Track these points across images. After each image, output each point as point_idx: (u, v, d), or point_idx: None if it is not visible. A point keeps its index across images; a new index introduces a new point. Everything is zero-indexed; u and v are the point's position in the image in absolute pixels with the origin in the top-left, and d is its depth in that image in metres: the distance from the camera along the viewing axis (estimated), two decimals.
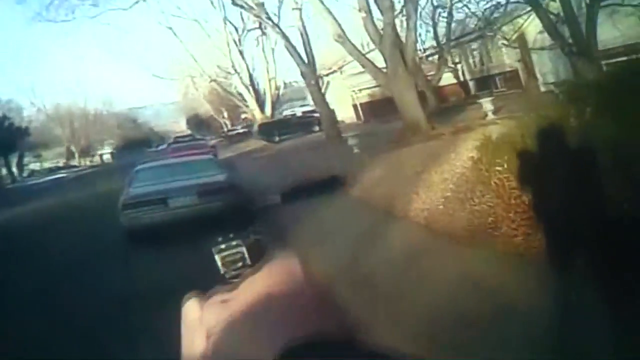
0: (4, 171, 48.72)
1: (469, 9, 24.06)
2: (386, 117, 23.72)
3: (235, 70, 35.19)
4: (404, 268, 4.69)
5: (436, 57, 27.95)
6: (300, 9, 23.68)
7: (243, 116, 50.17)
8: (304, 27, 23.56)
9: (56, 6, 22.27)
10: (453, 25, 25.95)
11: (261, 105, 35.90)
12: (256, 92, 36.44)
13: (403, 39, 15.43)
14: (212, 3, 33.53)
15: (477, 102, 17.87)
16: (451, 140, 11.47)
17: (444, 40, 26.17)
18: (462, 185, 6.75)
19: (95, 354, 3.99)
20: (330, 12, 15.55)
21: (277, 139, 30.59)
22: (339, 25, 15.40)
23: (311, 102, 30.09)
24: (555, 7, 13.31)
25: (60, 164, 60.85)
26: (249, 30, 34.50)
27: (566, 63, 15.67)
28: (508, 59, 26.41)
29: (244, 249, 0.48)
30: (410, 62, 14.82)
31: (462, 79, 32.05)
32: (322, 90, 24.86)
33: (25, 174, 52.99)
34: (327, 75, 33.29)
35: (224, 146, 37.49)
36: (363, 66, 15.39)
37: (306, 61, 22.10)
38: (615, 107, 4.06)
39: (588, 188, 3.81)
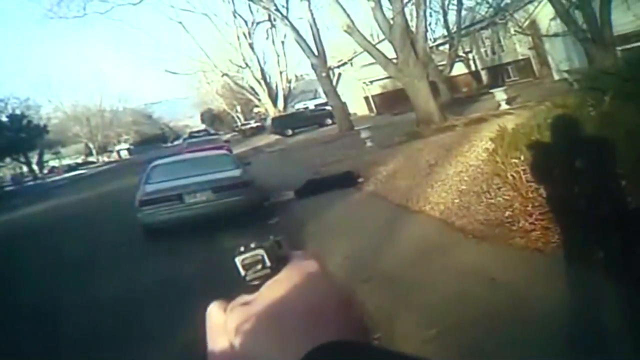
0: (25, 169, 49.55)
1: None
2: (398, 109, 23.60)
3: (247, 64, 35.25)
4: (420, 263, 4.68)
5: (447, 46, 27.64)
6: (308, 1, 23.60)
7: (256, 110, 50.30)
8: (313, 19, 23.49)
9: (67, 2, 22.51)
10: (463, 13, 25.58)
11: (273, 99, 35.95)
12: (268, 85, 36.48)
13: (413, 29, 15.31)
14: None
15: (489, 92, 17.68)
16: (464, 131, 11.40)
17: (455, 29, 25.85)
18: (478, 178, 6.72)
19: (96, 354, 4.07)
20: (339, 3, 15.45)
21: (290, 132, 30.63)
22: (348, 15, 15.31)
23: (323, 95, 30.01)
24: None
25: (80, 161, 61.70)
26: (258, 23, 34.55)
27: (580, 50, 15.40)
28: (520, 47, 26.02)
29: (262, 252, 0.49)
30: (421, 52, 14.70)
31: (473, 68, 31.69)
32: (333, 83, 24.79)
33: (45, 171, 53.80)
34: (337, 67, 33.17)
35: (237, 140, 37.66)
36: (373, 57, 15.30)
37: (316, 53, 22.03)
38: (636, 94, 3.98)
39: (608, 180, 3.76)
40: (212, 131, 37.39)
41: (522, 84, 22.98)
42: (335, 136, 21.09)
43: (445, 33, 27.75)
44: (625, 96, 4.41)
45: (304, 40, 21.74)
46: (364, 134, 15.08)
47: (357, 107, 34.22)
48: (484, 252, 4.62)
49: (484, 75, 30.86)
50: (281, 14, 22.68)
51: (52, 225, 12.50)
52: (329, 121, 29.31)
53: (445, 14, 27.00)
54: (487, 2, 22.42)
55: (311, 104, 39.79)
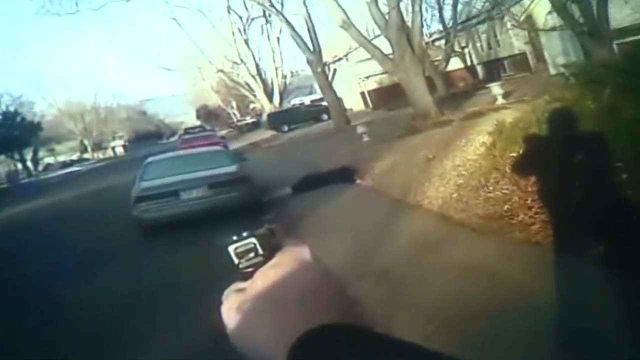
0: (20, 166, 49.28)
1: None
2: (394, 105, 23.55)
3: (242, 60, 35.09)
4: (419, 258, 4.65)
5: (442, 41, 27.61)
6: None
7: (251, 106, 50.16)
8: (309, 14, 23.37)
9: None
10: (459, 7, 25.55)
11: (269, 94, 35.82)
12: (263, 81, 36.35)
13: (408, 24, 15.25)
14: None
15: (486, 86, 17.66)
16: (461, 126, 11.37)
17: (451, 24, 25.80)
18: (476, 172, 6.69)
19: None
20: None
21: (286, 128, 30.55)
22: (343, 11, 15.22)
23: (319, 91, 29.93)
24: None
25: (74, 158, 61.41)
26: (253, 19, 34.39)
27: (576, 44, 15.34)
28: (516, 41, 26.00)
29: (255, 240, 0.50)
30: (417, 48, 14.65)
31: (469, 63, 31.67)
32: (329, 78, 24.72)
33: (40, 168, 53.53)
34: (333, 62, 33.07)
35: (233, 136, 37.54)
36: (369, 52, 15.23)
37: (312, 49, 21.94)
38: (636, 88, 3.95)
39: (608, 173, 3.73)
40: (208, 127, 37.21)
41: (518, 78, 22.97)
42: (331, 132, 21.03)
43: (441, 28, 27.73)
44: (625, 89, 4.38)
45: (300, 36, 21.64)
46: (360, 129, 15.03)
47: (353, 103, 34.16)
48: (484, 246, 4.59)
49: (479, 70, 30.85)
50: (276, 9, 22.56)
51: (47, 223, 12.43)
52: (325, 117, 29.23)
53: (440, 9, 26.98)
54: None
55: (307, 100, 39.71)
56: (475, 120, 11.40)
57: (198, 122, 52.05)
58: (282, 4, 25.23)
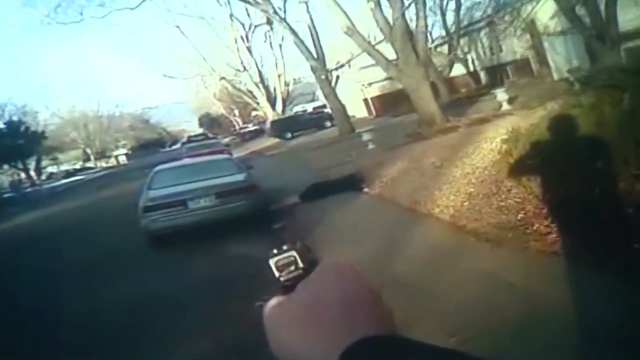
0: (23, 175, 49.33)
1: None
2: (397, 111, 23.53)
3: (244, 68, 35.16)
4: (435, 268, 4.59)
5: (445, 47, 27.60)
6: (306, 2, 23.52)
7: (254, 114, 50.18)
8: (312, 21, 23.40)
9: (64, 8, 22.37)
10: (461, 13, 25.57)
11: (272, 102, 35.85)
12: (266, 89, 36.39)
13: (412, 30, 15.24)
14: (217, 0, 33.53)
15: (491, 92, 17.61)
16: (467, 132, 11.32)
17: (453, 29, 25.80)
18: (486, 180, 6.63)
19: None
20: (338, 4, 15.35)
21: (289, 135, 30.51)
22: (348, 17, 15.23)
23: (321, 98, 29.96)
24: None
25: (77, 167, 61.47)
26: (256, 26, 34.45)
27: (580, 49, 15.29)
28: (519, 46, 25.97)
29: (295, 253, 0.51)
30: (422, 53, 14.62)
31: (472, 69, 31.64)
32: (332, 85, 24.72)
33: (43, 177, 53.56)
34: (336, 69, 33.11)
35: (236, 144, 37.54)
36: (373, 58, 15.21)
37: (315, 55, 21.95)
38: None
39: (629, 181, 3.67)
40: (211, 135, 37.23)
41: (522, 83, 22.92)
42: (336, 139, 20.99)
43: (444, 34, 27.74)
44: None
45: (303, 43, 21.65)
46: (365, 136, 14.98)
47: (356, 110, 34.15)
48: (500, 256, 4.53)
49: (482, 75, 30.81)
50: (279, 16, 22.59)
51: (51, 232, 12.40)
52: (328, 124, 29.21)
53: (443, 15, 27.01)
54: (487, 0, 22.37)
55: (309, 107, 39.72)
56: (481, 127, 11.35)
57: (200, 130, 52.10)
58: (284, 11, 25.33)
